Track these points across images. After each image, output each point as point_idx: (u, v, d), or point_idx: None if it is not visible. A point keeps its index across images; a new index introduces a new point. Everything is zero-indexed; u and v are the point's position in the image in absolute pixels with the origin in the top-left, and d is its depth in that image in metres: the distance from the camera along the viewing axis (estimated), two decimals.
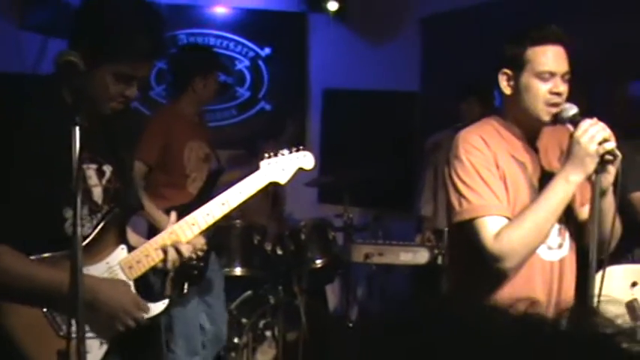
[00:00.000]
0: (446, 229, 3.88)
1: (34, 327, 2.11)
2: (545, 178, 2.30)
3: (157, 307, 2.29)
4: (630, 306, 2.73)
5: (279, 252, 4.57)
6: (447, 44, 5.77)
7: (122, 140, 2.38)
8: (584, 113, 2.23)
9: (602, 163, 2.15)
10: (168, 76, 4.32)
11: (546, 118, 2.27)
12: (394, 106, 6.18)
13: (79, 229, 1.83)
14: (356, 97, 6.33)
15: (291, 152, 2.63)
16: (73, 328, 1.85)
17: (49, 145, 2.07)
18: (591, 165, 2.15)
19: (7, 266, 2.08)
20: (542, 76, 2.25)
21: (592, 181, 2.19)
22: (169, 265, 2.31)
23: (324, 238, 4.64)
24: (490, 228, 2.22)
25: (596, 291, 2.19)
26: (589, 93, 3.31)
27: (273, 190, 5.04)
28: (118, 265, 2.26)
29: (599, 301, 2.18)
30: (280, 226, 5.01)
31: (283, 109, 6.22)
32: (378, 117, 6.15)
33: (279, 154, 2.59)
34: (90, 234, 2.19)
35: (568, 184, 2.18)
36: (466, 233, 2.27)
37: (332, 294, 5.65)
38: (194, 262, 2.75)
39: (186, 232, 2.36)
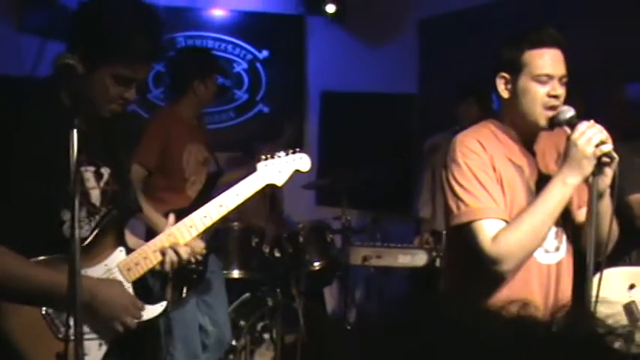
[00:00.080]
0: (444, 231, 3.88)
1: (32, 329, 2.11)
2: (543, 180, 2.30)
3: (154, 310, 2.29)
4: (628, 308, 2.73)
5: (277, 254, 4.56)
6: (444, 46, 5.77)
7: (120, 143, 2.38)
8: (581, 116, 2.23)
9: (599, 166, 2.16)
10: (167, 78, 4.30)
11: (543, 122, 2.27)
12: (392, 108, 6.18)
13: (77, 231, 1.83)
14: (354, 99, 6.33)
15: (287, 154, 2.62)
16: (72, 331, 1.85)
17: (48, 148, 2.07)
18: (588, 167, 2.15)
19: (6, 267, 2.07)
20: (539, 79, 2.26)
21: (589, 183, 2.19)
22: (167, 267, 2.31)
23: (322, 240, 4.64)
24: (487, 231, 2.22)
25: (594, 294, 2.19)
26: (586, 95, 3.32)
27: (271, 193, 5.04)
28: (116, 267, 2.26)
29: (596, 304, 2.19)
30: (278, 228, 5.00)
31: (281, 111, 6.21)
32: (376, 119, 6.14)
33: (275, 156, 2.59)
34: (88, 236, 2.19)
35: (565, 187, 2.18)
36: (464, 236, 2.27)
37: (330, 296, 5.64)
38: (193, 265, 2.75)
39: (184, 234, 2.36)
